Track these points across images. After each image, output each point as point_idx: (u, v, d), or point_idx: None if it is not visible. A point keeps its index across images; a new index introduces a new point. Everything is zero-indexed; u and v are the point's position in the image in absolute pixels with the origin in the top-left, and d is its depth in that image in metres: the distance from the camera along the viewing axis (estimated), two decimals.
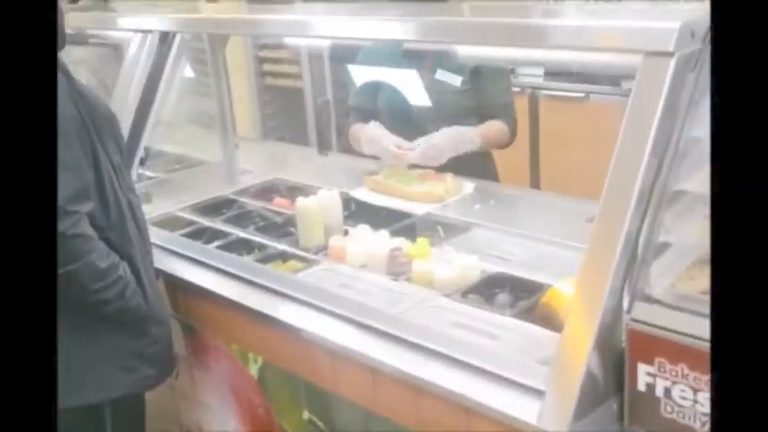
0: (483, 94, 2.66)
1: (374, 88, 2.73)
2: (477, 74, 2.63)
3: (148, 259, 2.03)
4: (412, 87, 2.59)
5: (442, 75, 2.62)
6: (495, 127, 2.65)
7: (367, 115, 2.71)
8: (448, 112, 2.61)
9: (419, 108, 2.65)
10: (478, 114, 2.65)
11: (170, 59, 2.58)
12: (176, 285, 2.24)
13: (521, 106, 3.35)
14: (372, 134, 2.57)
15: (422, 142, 2.49)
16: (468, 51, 2.28)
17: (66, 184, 1.69)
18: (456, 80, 2.62)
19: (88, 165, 1.82)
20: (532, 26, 1.72)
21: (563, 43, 1.65)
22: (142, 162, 2.68)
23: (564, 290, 1.70)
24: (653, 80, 1.41)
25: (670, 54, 1.41)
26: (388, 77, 2.66)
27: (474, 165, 2.64)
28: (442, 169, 2.53)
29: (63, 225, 1.69)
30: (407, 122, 2.67)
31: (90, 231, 1.79)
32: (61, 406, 1.24)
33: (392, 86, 2.67)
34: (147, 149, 2.70)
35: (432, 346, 1.65)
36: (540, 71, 4.20)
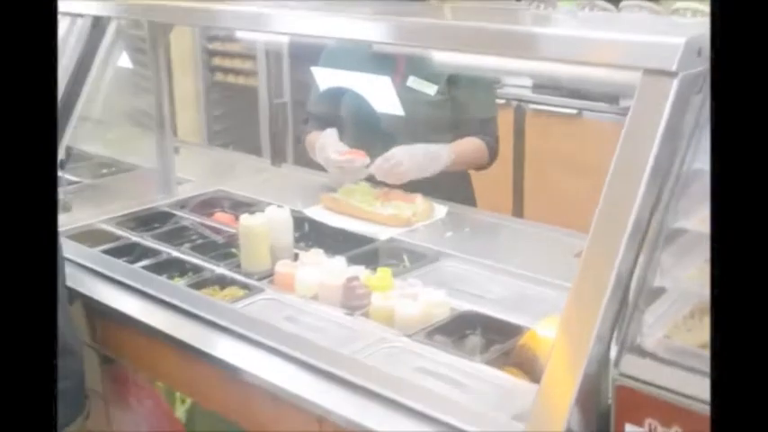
0: (461, 106, 2.68)
1: (337, 93, 2.74)
2: (454, 83, 2.65)
3: (58, 280, 1.98)
4: (380, 95, 2.60)
5: (414, 82, 2.64)
6: (471, 145, 2.67)
7: (328, 123, 2.71)
8: (419, 124, 2.62)
9: (387, 118, 2.66)
10: (454, 129, 2.67)
11: (102, 48, 2.57)
12: (94, 310, 2.21)
13: (505, 120, 3.39)
14: (322, 142, 2.59)
15: (382, 158, 2.51)
16: (447, 58, 2.28)
17: None
18: (430, 89, 2.64)
19: None
20: (520, 34, 1.74)
21: (552, 55, 1.66)
22: (62, 165, 2.65)
23: (545, 333, 1.70)
24: (653, 101, 1.42)
25: (673, 74, 1.42)
26: (353, 82, 2.66)
27: (448, 185, 2.64)
28: (410, 189, 2.54)
29: None
30: (373, 134, 2.68)
31: None
32: None
33: (357, 93, 2.67)
34: (69, 150, 2.68)
35: (389, 394, 1.64)
36: (529, 82, 4.24)
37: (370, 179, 2.60)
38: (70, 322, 2.01)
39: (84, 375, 2.06)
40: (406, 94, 2.62)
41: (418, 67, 2.60)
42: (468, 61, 2.21)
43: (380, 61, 2.59)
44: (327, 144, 2.60)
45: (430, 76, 2.62)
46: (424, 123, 2.63)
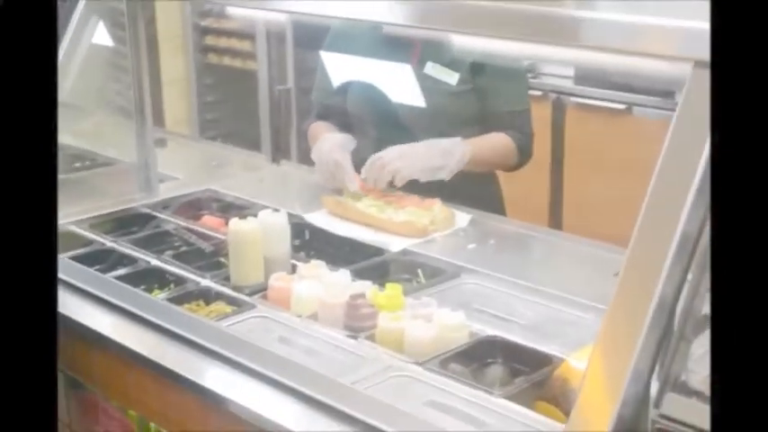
0: (487, 97, 2.69)
1: (345, 80, 2.75)
2: (479, 71, 2.66)
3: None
4: (392, 83, 2.61)
5: (432, 69, 2.65)
6: (494, 141, 2.68)
7: (332, 114, 2.73)
8: (438, 117, 2.64)
9: (401, 110, 2.68)
10: (479, 123, 2.69)
11: (73, 21, 2.57)
12: (60, 325, 2.18)
13: (541, 115, 3.39)
14: (331, 157, 2.63)
15: (371, 159, 2.55)
16: (473, 43, 2.29)
17: None
18: (451, 77, 2.65)
19: None
20: (558, 18, 1.74)
21: (595, 42, 1.67)
22: None
23: (581, 364, 1.69)
24: (704, 96, 1.40)
25: None
26: (363, 68, 2.68)
27: (472, 189, 2.65)
28: (428, 193, 2.55)
29: None
30: (385, 128, 2.69)
31: None
32: None
33: (367, 80, 2.68)
34: None
35: None
36: (570, 72, 4.24)
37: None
38: None
39: None
40: (422, 83, 2.63)
41: (437, 51, 2.61)
42: (498, 47, 2.22)
43: (394, 44, 2.60)
44: (340, 162, 2.63)
45: (450, 63, 2.63)
46: (443, 116, 2.64)
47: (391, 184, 2.56)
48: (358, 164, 2.64)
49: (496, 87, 2.69)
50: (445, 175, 2.53)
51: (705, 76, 1.42)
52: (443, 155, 2.53)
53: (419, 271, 2.33)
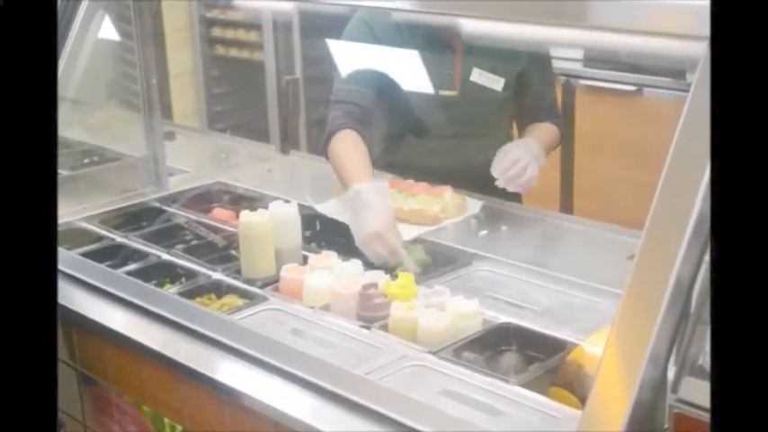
0: (527, 94, 2.72)
1: (373, 80, 2.64)
2: (520, 72, 2.67)
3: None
4: (436, 89, 2.58)
5: (479, 77, 2.62)
6: (550, 133, 2.73)
7: (361, 117, 2.60)
8: (485, 122, 2.65)
9: (446, 116, 2.65)
10: (519, 116, 2.74)
11: (80, 15, 2.57)
12: (72, 322, 2.24)
13: None
14: (373, 227, 2.28)
15: (508, 161, 2.50)
16: (482, 27, 2.27)
17: None
18: (498, 83, 2.64)
19: None
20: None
21: (607, 23, 1.66)
22: None
23: (596, 349, 1.69)
24: None
25: None
26: (402, 71, 2.63)
27: (483, 176, 2.63)
28: (439, 180, 2.55)
29: None
30: (419, 135, 2.68)
31: None
32: None
33: (408, 86, 2.64)
34: None
35: (410, 423, 1.64)
36: (579, 54, 4.23)
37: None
38: None
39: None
40: (469, 90, 2.62)
41: (479, 53, 2.58)
42: (510, 31, 2.20)
43: (432, 43, 2.56)
44: (382, 232, 2.28)
45: (492, 64, 2.62)
46: (490, 121, 2.66)
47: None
48: (387, 166, 2.66)
49: (535, 82, 2.72)
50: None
51: None
52: (537, 158, 2.55)
53: (431, 259, 2.33)
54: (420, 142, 2.69)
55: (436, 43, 2.60)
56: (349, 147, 2.55)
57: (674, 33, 1.57)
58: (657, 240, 1.44)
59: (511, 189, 2.53)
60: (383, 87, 2.66)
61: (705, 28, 1.45)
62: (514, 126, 2.83)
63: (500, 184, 2.50)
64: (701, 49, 1.46)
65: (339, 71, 2.77)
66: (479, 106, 2.65)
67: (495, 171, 2.50)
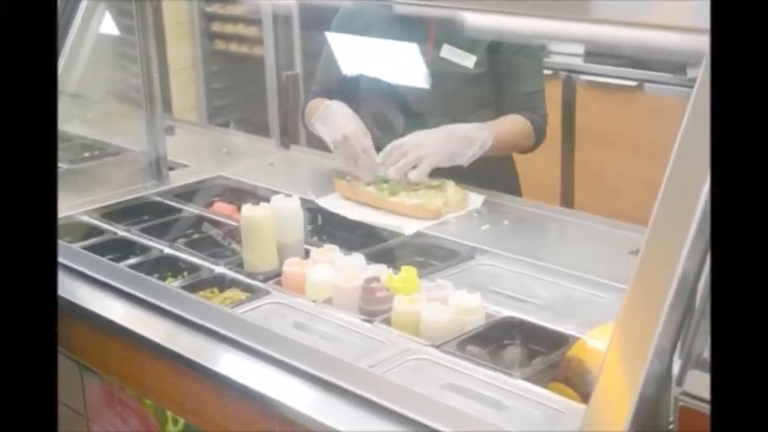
0: (503, 79, 2.69)
1: (354, 64, 2.73)
2: (496, 51, 2.65)
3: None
4: (407, 67, 2.61)
5: (449, 52, 2.64)
6: (513, 124, 2.67)
7: (337, 97, 2.71)
8: (454, 102, 2.63)
9: (415, 95, 2.67)
10: (495, 106, 2.68)
11: (80, 10, 2.57)
12: (73, 315, 2.23)
13: (552, 94, 3.37)
14: (342, 130, 2.56)
15: (391, 146, 2.52)
16: (486, 21, 2.28)
17: None
18: (468, 60, 2.64)
19: None
20: None
21: (608, 16, 1.66)
22: None
23: (597, 343, 1.72)
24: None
25: None
26: (373, 50, 2.67)
27: (487, 170, 2.65)
28: (441, 174, 2.55)
29: None
30: (398, 114, 2.69)
31: None
32: None
33: (379, 64, 2.67)
34: None
35: (414, 416, 1.65)
36: (580, 49, 4.23)
37: None
38: None
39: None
40: (439, 67, 2.62)
41: (452, 33, 2.59)
42: (510, 25, 2.21)
43: (407, 26, 2.59)
44: (352, 134, 2.56)
45: (467, 45, 2.62)
46: (459, 101, 2.63)
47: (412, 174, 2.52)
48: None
49: (512, 68, 2.69)
50: (465, 161, 2.52)
51: None
52: (465, 141, 2.51)
53: (434, 253, 2.33)
54: (399, 126, 2.69)
55: (420, 34, 2.62)
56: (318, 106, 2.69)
57: (675, 26, 1.57)
58: (662, 236, 1.44)
59: (391, 175, 2.51)
60: (360, 74, 2.74)
61: (707, 21, 1.47)
62: None
63: (382, 171, 2.53)
64: (703, 43, 1.45)
65: (323, 60, 2.84)
66: (455, 95, 2.65)
67: (380, 157, 2.54)
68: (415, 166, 2.50)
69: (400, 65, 2.63)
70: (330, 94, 2.76)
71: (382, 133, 2.66)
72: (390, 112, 2.70)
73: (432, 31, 2.65)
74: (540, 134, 2.72)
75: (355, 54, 2.72)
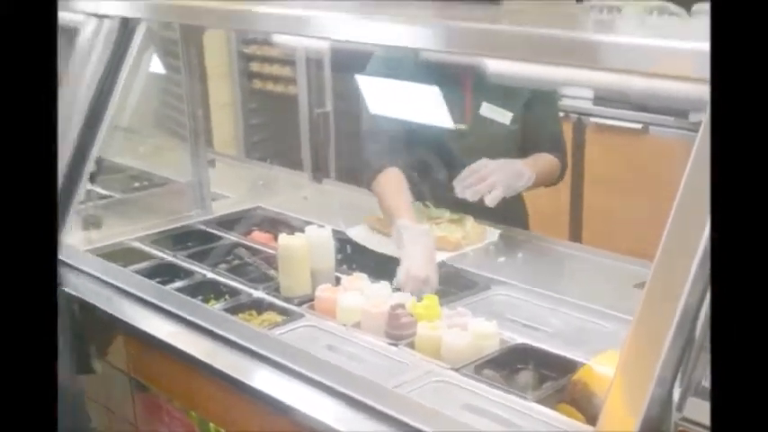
0: (532, 125, 2.70)
1: (391, 111, 2.67)
2: (527, 105, 2.66)
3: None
4: (444, 115, 2.54)
5: (489, 111, 2.63)
6: (546, 162, 2.68)
7: (394, 154, 2.63)
8: (490, 147, 2.61)
9: (454, 141, 2.65)
10: (523, 147, 2.69)
11: (132, 51, 2.59)
12: (126, 333, 2.27)
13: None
14: (412, 270, 2.29)
15: (468, 169, 2.46)
16: (507, 68, 2.27)
17: None
18: (505, 117, 2.64)
19: None
20: (582, 42, 1.72)
21: (617, 65, 1.65)
22: (92, 177, 2.70)
23: (601, 368, 1.72)
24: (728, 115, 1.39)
25: None
26: (411, 97, 2.60)
27: (501, 206, 2.63)
28: (460, 209, 2.55)
29: None
30: (435, 156, 2.67)
31: None
32: None
33: (414, 110, 2.61)
34: (99, 161, 2.72)
35: None
36: (590, 94, 4.23)
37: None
38: None
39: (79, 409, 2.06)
40: (478, 124, 2.62)
41: (489, 88, 2.57)
42: (531, 71, 2.18)
43: (442, 72, 2.50)
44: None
45: (503, 101, 2.62)
46: (495, 146, 2.62)
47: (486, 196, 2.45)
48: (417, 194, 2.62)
49: (540, 116, 2.71)
50: (513, 193, 2.52)
51: None
52: (518, 176, 2.51)
53: (453, 283, 2.33)
54: (437, 172, 2.68)
55: (449, 79, 2.56)
56: (393, 184, 2.56)
57: (678, 76, 1.55)
58: (667, 271, 1.44)
59: (468, 197, 2.45)
60: (403, 122, 2.66)
61: (707, 71, 1.40)
62: None
63: (458, 193, 2.46)
64: (704, 92, 1.42)
65: (366, 105, 2.74)
66: (490, 138, 2.65)
67: (456, 181, 2.48)
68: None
69: (436, 114, 2.58)
70: (394, 152, 2.63)
71: (423, 174, 2.65)
72: (430, 155, 2.67)
73: (468, 88, 2.63)
74: (564, 169, 2.75)
75: (394, 100, 2.64)
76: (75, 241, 2.57)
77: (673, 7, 3.60)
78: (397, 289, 2.23)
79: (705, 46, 1.45)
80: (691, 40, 1.55)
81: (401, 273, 2.29)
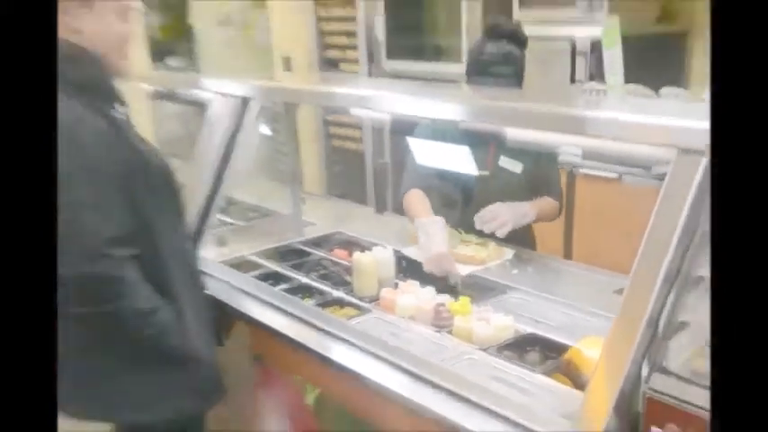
0: (537, 175, 2.70)
1: (432, 163, 2.68)
2: (533, 158, 2.66)
3: (198, 304, 1.93)
4: (471, 166, 2.55)
5: (505, 162, 2.64)
6: (547, 203, 2.69)
7: (421, 183, 2.67)
8: (503, 191, 2.62)
9: (476, 185, 2.66)
10: (529, 190, 2.69)
11: (248, 119, 2.61)
12: (249, 322, 2.28)
13: None
14: (438, 250, 2.32)
15: (486, 210, 2.49)
16: (517, 133, 2.27)
17: (98, 227, 1.63)
18: (517, 167, 2.64)
19: (127, 212, 1.71)
20: (574, 117, 1.72)
21: (604, 133, 1.65)
22: (222, 210, 2.76)
23: (584, 349, 1.74)
24: (685, 175, 1.41)
25: (702, 153, 1.39)
26: (446, 154, 2.62)
27: (514, 233, 2.66)
28: (485, 235, 2.54)
29: (99, 267, 1.62)
30: (460, 198, 2.68)
31: (132, 275, 1.69)
32: (101, 419, 1.60)
33: (450, 164, 2.62)
34: (227, 198, 2.78)
35: (468, 396, 1.68)
36: (580, 152, 4.17)
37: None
38: (203, 338, 1.92)
39: (214, 377, 1.95)
40: (496, 172, 2.62)
41: (506, 146, 2.58)
42: (537, 137, 2.19)
43: (473, 137, 2.49)
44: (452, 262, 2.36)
45: (515, 154, 2.62)
46: (508, 190, 2.63)
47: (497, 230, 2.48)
48: (452, 223, 2.59)
49: (543, 167, 2.70)
50: (518, 227, 2.52)
51: (686, 160, 1.42)
52: (522, 215, 2.53)
53: (480, 288, 2.32)
54: (466, 206, 2.68)
55: (477, 139, 2.56)
56: (414, 197, 2.63)
57: (645, 141, 1.55)
58: (639, 286, 1.45)
59: (485, 230, 2.47)
60: (442, 170, 2.68)
61: (674, 140, 1.45)
62: None
63: (476, 227, 2.49)
64: (666, 152, 1.46)
65: (414, 158, 2.77)
66: (505, 182, 2.65)
67: (476, 217, 2.50)
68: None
69: (466, 164, 2.56)
70: (418, 183, 2.68)
71: (449, 211, 2.65)
72: (457, 196, 2.71)
73: (491, 145, 2.63)
74: (560, 209, 2.75)
75: (433, 155, 2.67)
76: (210, 255, 2.61)
77: (645, 90, 3.60)
78: (440, 292, 2.23)
79: (669, 120, 1.49)
80: (657, 116, 1.56)
81: (423, 257, 2.31)
